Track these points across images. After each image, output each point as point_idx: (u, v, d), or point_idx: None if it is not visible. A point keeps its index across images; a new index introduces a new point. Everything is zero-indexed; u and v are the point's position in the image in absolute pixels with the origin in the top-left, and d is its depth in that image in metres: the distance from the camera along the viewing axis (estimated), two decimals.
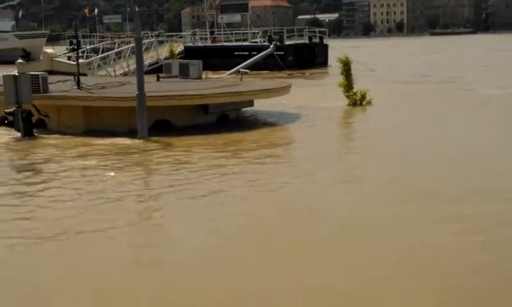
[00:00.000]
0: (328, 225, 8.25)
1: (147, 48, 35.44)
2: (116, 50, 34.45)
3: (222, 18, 50.42)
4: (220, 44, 47.25)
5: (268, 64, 39.47)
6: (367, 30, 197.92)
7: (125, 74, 30.42)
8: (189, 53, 40.73)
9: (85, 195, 10.04)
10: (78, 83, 17.08)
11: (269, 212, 9.01)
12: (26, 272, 6.91)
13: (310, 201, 9.51)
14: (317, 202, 9.45)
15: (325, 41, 48.85)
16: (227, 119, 17.52)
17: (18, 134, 15.54)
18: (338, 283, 6.37)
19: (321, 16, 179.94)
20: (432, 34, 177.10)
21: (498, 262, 6.81)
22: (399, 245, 7.45)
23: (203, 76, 20.96)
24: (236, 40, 47.51)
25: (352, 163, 12.49)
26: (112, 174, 11.66)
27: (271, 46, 41.87)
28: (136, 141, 14.60)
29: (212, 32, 50.56)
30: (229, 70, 33.48)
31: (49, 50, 27.86)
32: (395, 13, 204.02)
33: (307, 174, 11.26)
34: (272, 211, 9.02)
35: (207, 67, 22.42)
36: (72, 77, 17.88)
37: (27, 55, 34.03)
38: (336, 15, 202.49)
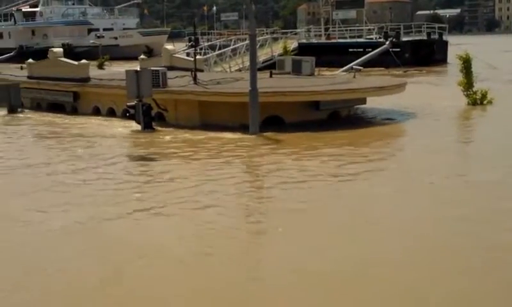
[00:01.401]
0: None
1: (262, 45, 35.90)
2: (231, 46, 35.27)
3: (337, 14, 49.92)
4: (334, 41, 46.83)
5: (383, 61, 38.55)
6: (491, 26, 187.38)
7: (239, 70, 31.06)
8: (302, 50, 40.77)
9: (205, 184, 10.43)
10: (195, 78, 17.67)
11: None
12: None
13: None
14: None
15: (444, 37, 46.88)
16: (338, 116, 17.36)
17: (139, 127, 16.37)
18: None
19: (442, 12, 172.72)
20: None
21: None
22: None
23: (316, 73, 20.90)
24: (351, 37, 46.87)
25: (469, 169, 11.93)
26: (223, 169, 11.99)
27: (387, 42, 40.86)
28: (248, 136, 14.87)
29: (326, 29, 50.26)
30: (343, 66, 33.10)
31: (169, 46, 28.95)
32: None
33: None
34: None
35: (320, 64, 22.36)
36: (189, 73, 18.53)
37: (150, 52, 35.79)
38: (458, 11, 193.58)
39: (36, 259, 7.36)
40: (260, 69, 23.64)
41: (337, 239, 7.80)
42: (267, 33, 44.02)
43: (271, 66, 26.89)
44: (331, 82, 18.28)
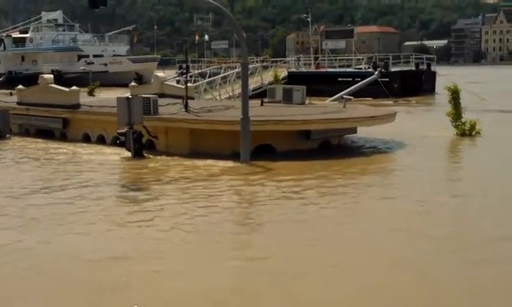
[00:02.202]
0: None
1: (252, 73, 36.09)
2: (222, 74, 35.43)
3: (326, 44, 50.49)
4: (324, 70, 47.25)
5: (372, 91, 38.86)
6: (478, 57, 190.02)
7: (229, 98, 31.15)
8: (292, 78, 41.05)
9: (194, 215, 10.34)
10: (186, 106, 17.67)
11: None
12: None
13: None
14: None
15: (433, 68, 47.46)
16: (329, 145, 17.40)
17: (129, 154, 16.27)
18: None
19: (429, 43, 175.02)
20: None
21: None
22: None
23: (307, 101, 20.98)
24: (340, 66, 47.32)
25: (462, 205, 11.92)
26: (212, 197, 11.90)
27: (376, 72, 41.25)
28: (238, 165, 14.82)
29: (316, 58, 50.74)
30: (332, 95, 33.31)
31: (160, 73, 29.04)
32: (508, 40, 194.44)
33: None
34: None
35: (310, 93, 22.41)
36: (180, 100, 18.53)
37: (140, 79, 35.75)
38: (445, 42, 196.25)
39: None
40: (250, 97, 23.66)
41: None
42: (257, 61, 44.32)
43: (261, 94, 27.00)
44: (322, 111, 18.34)
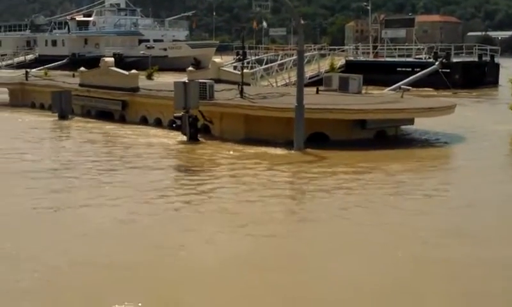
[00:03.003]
0: None
1: (309, 61, 35.86)
2: (279, 61, 35.36)
3: (386, 32, 49.45)
4: (382, 59, 46.39)
5: (432, 82, 37.90)
6: None
7: (286, 85, 31.07)
8: (350, 67, 40.48)
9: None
10: (241, 92, 17.75)
11: None
12: None
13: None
14: None
15: (496, 60, 45.80)
16: (385, 135, 17.13)
17: (184, 138, 16.51)
18: None
19: (494, 34, 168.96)
20: None
21: None
22: None
23: (363, 91, 20.71)
24: (399, 55, 46.32)
25: None
26: (263, 183, 11.94)
27: (436, 63, 40.17)
28: (292, 152, 14.80)
29: (374, 47, 49.84)
30: (390, 85, 32.70)
31: (217, 59, 29.27)
32: None
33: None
34: None
35: (367, 82, 22.12)
36: (236, 86, 18.63)
37: (198, 64, 36.22)
38: (510, 33, 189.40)
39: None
40: (306, 85, 23.54)
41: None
42: (314, 49, 43.93)
43: (318, 82, 26.79)
44: (378, 100, 18.08)
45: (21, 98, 26.95)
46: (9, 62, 65.18)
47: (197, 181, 12.09)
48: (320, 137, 16.18)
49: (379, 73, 38.89)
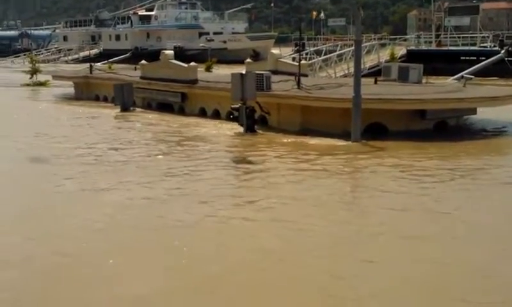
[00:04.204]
0: None
1: (368, 51, 35.34)
2: (337, 52, 35.01)
3: (449, 20, 48.04)
4: (445, 48, 45.10)
5: (498, 71, 36.59)
6: None
7: (345, 76, 30.75)
8: (411, 56, 39.60)
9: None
10: (298, 83, 17.72)
11: None
12: None
13: None
14: None
15: None
16: (445, 126, 16.71)
17: (241, 129, 16.66)
18: None
19: None
20: None
21: None
22: None
23: (424, 81, 20.25)
24: (463, 44, 44.94)
25: None
26: (320, 175, 11.91)
27: (502, 51, 38.74)
28: (349, 143, 14.68)
29: (437, 36, 48.52)
30: (454, 75, 31.81)
31: (275, 51, 29.29)
32: None
33: None
34: None
35: (429, 72, 21.64)
36: (293, 77, 18.61)
37: (257, 56, 36.24)
38: None
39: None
40: (365, 75, 23.29)
41: None
42: (374, 39, 43.21)
43: (377, 72, 26.38)
44: (439, 90, 17.63)
45: (85, 91, 27.85)
46: (75, 56, 67.46)
47: (255, 171, 12.20)
48: (379, 127, 15.96)
49: (442, 63, 37.91)
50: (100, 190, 10.65)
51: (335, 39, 51.99)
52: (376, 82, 19.44)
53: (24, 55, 64.10)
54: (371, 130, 15.62)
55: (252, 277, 6.90)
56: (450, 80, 30.04)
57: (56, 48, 76.87)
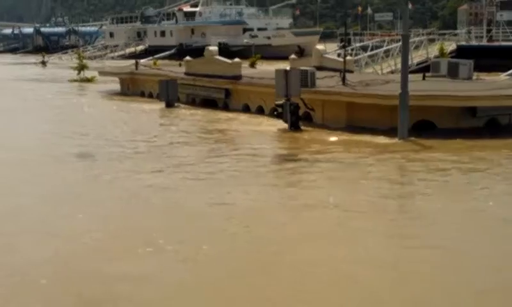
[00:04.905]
0: None
1: (416, 47, 34.57)
2: (384, 48, 34.35)
3: (502, 15, 46.57)
4: (497, 43, 43.74)
5: None
6: None
7: (392, 72, 30.12)
8: (461, 52, 38.49)
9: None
10: (343, 79, 17.41)
11: None
12: None
13: None
14: None
15: None
16: (497, 124, 16.09)
17: (286, 125, 16.45)
18: None
19: None
20: None
21: None
22: None
23: (474, 77, 19.60)
24: None
25: None
26: (365, 174, 11.62)
27: None
28: (396, 141, 14.30)
29: (488, 31, 47.10)
30: (506, 71, 30.76)
31: (320, 46, 28.94)
32: None
33: None
34: None
35: (480, 68, 20.95)
36: (338, 73, 18.30)
37: (301, 52, 35.95)
38: None
39: None
40: (413, 71, 22.71)
41: None
42: (422, 34, 42.23)
43: (426, 68, 25.75)
44: (490, 87, 17.01)
45: (131, 87, 28.16)
46: (121, 53, 68.53)
47: (300, 168, 12.03)
48: (427, 125, 15.50)
49: (493, 58, 36.74)
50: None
51: (381, 35, 51.18)
52: (424, 78, 18.95)
53: (72, 51, 65.65)
54: (419, 127, 15.17)
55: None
56: (502, 76, 29.07)
57: (102, 44, 78.33)
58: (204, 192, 10.10)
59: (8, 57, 78.08)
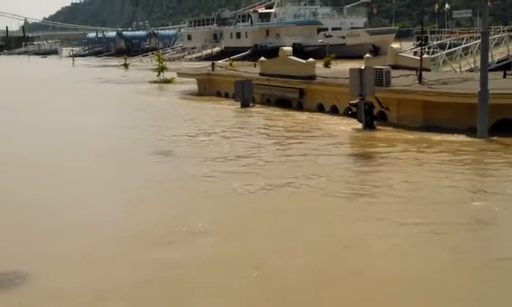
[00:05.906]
0: None
1: (497, 44, 33.39)
2: (463, 45, 33.39)
3: None
4: None
5: None
6: None
7: (470, 70, 29.28)
8: None
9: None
10: (420, 78, 17.17)
11: None
12: None
13: None
14: None
15: None
16: None
17: (360, 125, 16.43)
18: None
19: None
20: None
21: None
22: None
23: None
24: None
25: None
26: (442, 175, 11.46)
27: None
28: (475, 140, 14.00)
29: None
30: None
31: (395, 45, 28.56)
32: None
33: None
34: None
35: None
36: (414, 72, 18.06)
37: (376, 51, 35.53)
38: None
39: None
40: (494, 69, 22.06)
41: None
42: (503, 31, 40.69)
43: (507, 66, 24.93)
44: None
45: (208, 88, 28.86)
46: (198, 54, 70.08)
47: (377, 168, 12.04)
48: (508, 124, 15.05)
49: None
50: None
51: (460, 32, 49.72)
52: (505, 75, 18.38)
53: (152, 53, 67.72)
54: (500, 126, 14.76)
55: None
56: None
57: (180, 46, 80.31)
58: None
59: (93, 60, 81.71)
